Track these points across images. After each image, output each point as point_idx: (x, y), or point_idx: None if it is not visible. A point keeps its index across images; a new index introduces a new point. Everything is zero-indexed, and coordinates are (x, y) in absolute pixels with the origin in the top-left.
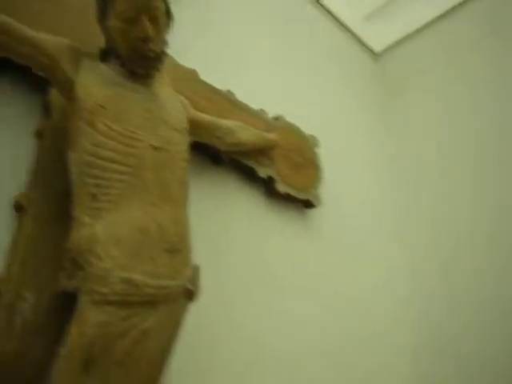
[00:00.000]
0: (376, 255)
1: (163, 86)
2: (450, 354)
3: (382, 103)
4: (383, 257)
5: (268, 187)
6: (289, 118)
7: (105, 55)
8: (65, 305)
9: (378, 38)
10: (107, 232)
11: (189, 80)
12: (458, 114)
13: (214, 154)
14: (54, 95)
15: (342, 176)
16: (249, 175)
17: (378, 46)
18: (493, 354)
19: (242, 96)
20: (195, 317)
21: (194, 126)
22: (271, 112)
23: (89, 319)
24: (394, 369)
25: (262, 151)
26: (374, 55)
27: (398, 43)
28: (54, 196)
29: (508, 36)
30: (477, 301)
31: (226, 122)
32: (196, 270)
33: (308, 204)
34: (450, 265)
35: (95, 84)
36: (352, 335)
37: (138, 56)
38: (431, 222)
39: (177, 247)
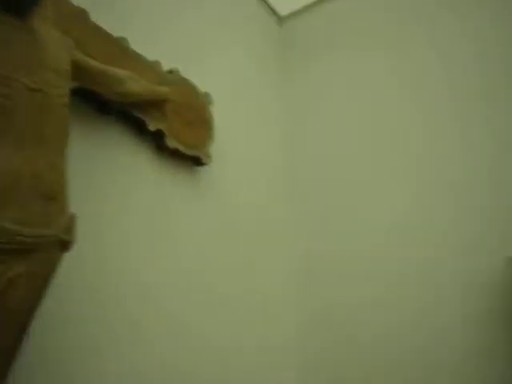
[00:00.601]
0: (265, 215)
1: (45, 24)
2: (339, 337)
3: (284, 67)
4: (272, 216)
5: (157, 142)
6: (184, 74)
7: None
8: None
9: (284, 1)
10: None
11: (77, 20)
12: (360, 84)
13: (102, 102)
14: None
15: (234, 135)
16: (139, 128)
17: (283, 10)
18: (379, 334)
19: (136, 44)
20: (71, 267)
21: (79, 70)
22: (166, 65)
23: None
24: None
25: (154, 104)
26: (280, 19)
27: (305, 9)
28: None
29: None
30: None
31: (115, 70)
32: (72, 220)
33: (198, 161)
34: (339, 223)
35: None
36: (241, 296)
37: None
38: (322, 180)
39: (52, 195)
